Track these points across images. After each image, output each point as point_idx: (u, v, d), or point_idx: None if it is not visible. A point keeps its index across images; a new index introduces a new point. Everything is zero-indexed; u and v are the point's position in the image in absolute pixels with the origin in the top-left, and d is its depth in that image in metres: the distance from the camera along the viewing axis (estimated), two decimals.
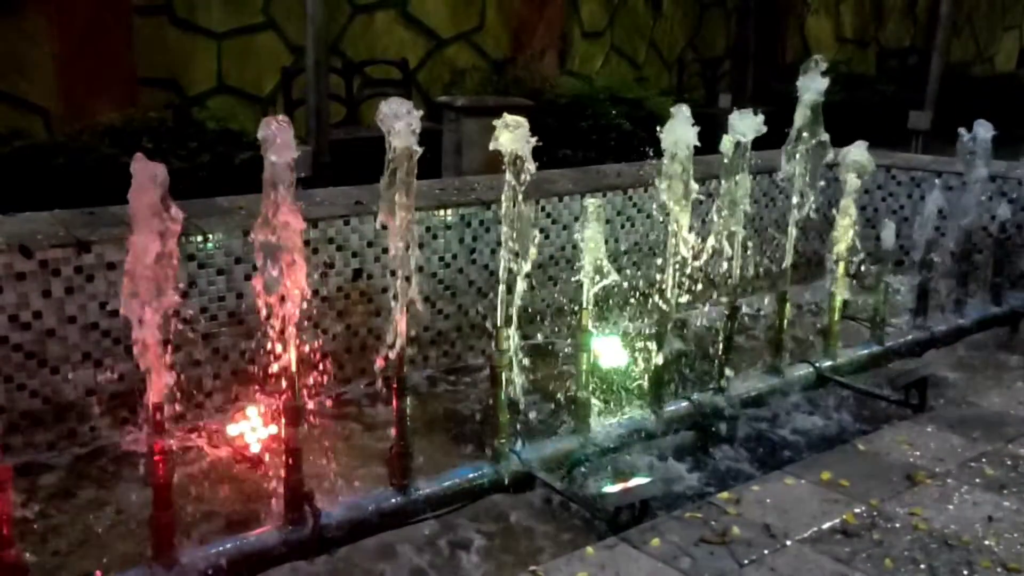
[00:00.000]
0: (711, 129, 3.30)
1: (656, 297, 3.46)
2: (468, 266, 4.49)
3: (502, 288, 2.92)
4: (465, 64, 8.99)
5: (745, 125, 3.34)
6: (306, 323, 2.64)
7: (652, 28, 10.81)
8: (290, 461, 2.64)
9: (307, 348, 2.65)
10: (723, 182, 3.49)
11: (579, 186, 4.93)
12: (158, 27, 7.08)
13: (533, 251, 2.89)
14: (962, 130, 4.60)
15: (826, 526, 2.50)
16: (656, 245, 3.47)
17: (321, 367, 3.21)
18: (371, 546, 2.86)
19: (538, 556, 2.85)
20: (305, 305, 2.58)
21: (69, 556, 2.91)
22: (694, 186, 3.31)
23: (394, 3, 8.43)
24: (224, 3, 7.42)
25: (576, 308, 3.25)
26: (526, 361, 3.10)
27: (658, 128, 3.30)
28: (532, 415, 3.60)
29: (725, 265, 3.57)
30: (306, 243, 3.93)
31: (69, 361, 3.50)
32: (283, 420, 2.63)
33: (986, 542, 2.44)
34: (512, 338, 2.98)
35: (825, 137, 3.67)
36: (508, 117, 2.79)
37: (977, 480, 2.78)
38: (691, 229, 3.35)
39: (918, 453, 2.95)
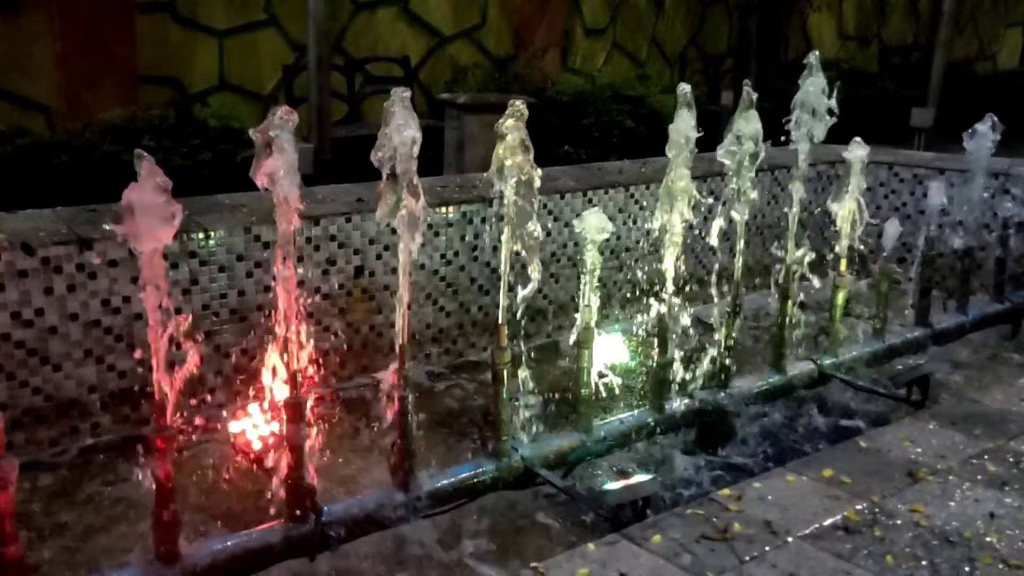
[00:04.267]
0: (713, 127, 3.30)
1: (658, 294, 3.46)
2: (470, 263, 4.49)
3: (503, 285, 2.92)
4: (467, 62, 8.99)
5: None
6: (308, 320, 2.63)
7: (654, 25, 10.80)
8: (292, 458, 2.64)
9: (309, 345, 2.65)
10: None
11: (581, 183, 4.93)
12: (160, 24, 7.08)
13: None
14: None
15: (827, 523, 2.50)
16: (657, 243, 3.47)
17: (323, 364, 3.21)
18: (373, 543, 2.86)
19: (540, 553, 2.84)
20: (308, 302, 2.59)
21: (72, 552, 2.91)
22: None
23: (396, 0, 8.43)
24: (226, 1, 7.42)
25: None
26: (529, 359, 3.10)
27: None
28: (534, 412, 3.60)
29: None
30: (308, 240, 3.95)
31: (71, 358, 3.50)
32: (284, 417, 2.64)
33: (988, 539, 2.43)
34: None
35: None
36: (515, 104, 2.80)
37: (979, 477, 2.78)
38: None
39: (920, 450, 2.95)
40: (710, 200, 3.61)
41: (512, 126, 2.77)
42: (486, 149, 2.88)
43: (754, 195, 3.54)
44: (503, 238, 2.90)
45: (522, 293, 2.95)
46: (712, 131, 3.35)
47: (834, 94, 3.66)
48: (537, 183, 2.86)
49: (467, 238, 4.44)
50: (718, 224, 3.49)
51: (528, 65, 9.02)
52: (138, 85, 6.83)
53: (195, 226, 3.72)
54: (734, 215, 3.54)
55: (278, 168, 2.44)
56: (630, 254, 5.02)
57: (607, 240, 3.15)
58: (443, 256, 4.39)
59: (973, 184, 4.71)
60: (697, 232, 4.39)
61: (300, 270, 3.07)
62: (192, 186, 4.38)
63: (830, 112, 3.68)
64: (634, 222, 5.04)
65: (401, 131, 2.57)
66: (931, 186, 4.55)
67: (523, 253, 2.89)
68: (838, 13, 12.77)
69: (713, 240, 3.48)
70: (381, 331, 4.20)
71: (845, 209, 3.97)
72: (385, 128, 2.59)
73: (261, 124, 2.44)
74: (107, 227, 2.19)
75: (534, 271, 2.92)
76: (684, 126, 3.23)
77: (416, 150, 2.62)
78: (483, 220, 4.45)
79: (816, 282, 4.00)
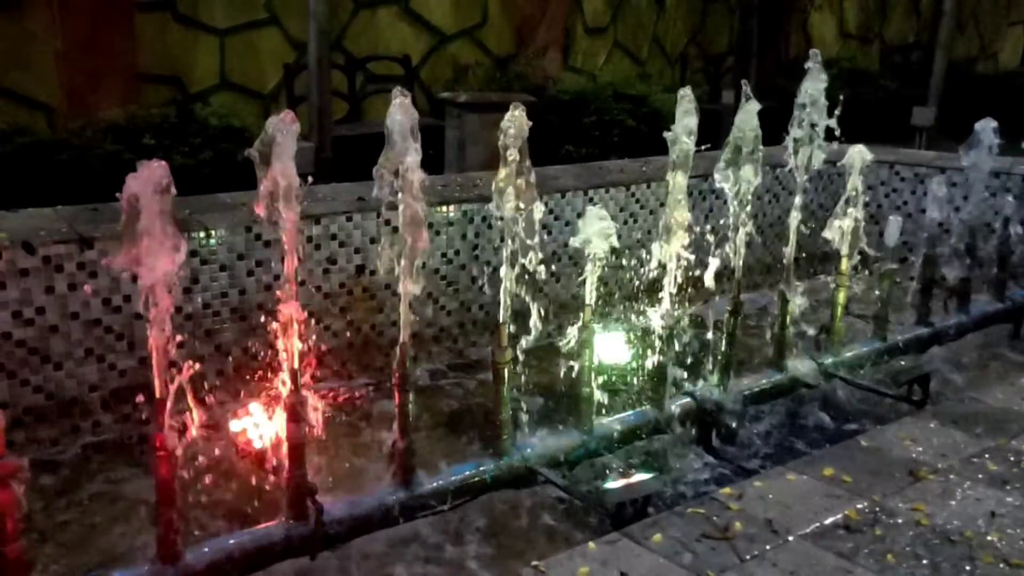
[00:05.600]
0: (714, 125, 3.29)
1: (659, 292, 3.46)
2: (471, 262, 4.49)
3: (504, 284, 2.92)
4: (468, 60, 8.98)
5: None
6: (309, 320, 2.63)
7: (655, 24, 10.79)
8: (292, 457, 2.64)
9: (309, 344, 2.65)
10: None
11: (582, 182, 4.93)
12: (161, 23, 7.08)
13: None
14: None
15: (828, 521, 2.50)
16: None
17: (324, 362, 3.21)
18: (373, 542, 2.86)
19: (540, 551, 2.85)
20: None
21: (72, 551, 2.91)
22: None
23: None
24: None
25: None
26: (529, 357, 3.10)
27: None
28: (534, 411, 3.60)
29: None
30: (308, 239, 3.95)
31: (72, 357, 3.50)
32: (285, 416, 2.64)
33: (988, 537, 2.43)
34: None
35: None
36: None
37: (980, 476, 2.77)
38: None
39: (921, 449, 2.95)
40: (710, 237, 3.62)
41: (512, 146, 2.78)
42: (487, 148, 2.89)
43: (750, 228, 3.54)
44: (503, 270, 2.91)
45: (525, 342, 2.96)
46: (714, 130, 3.33)
47: (836, 112, 3.63)
48: (538, 215, 2.87)
49: (468, 237, 4.44)
50: (715, 264, 3.48)
51: (529, 64, 9.02)
52: (139, 84, 6.83)
53: (196, 225, 3.72)
54: (731, 255, 3.55)
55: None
56: (631, 253, 5.02)
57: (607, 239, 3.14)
58: (444, 255, 4.39)
59: (971, 200, 4.69)
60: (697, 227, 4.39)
61: (301, 269, 3.06)
62: (193, 185, 4.38)
63: (830, 134, 3.66)
64: (635, 221, 5.04)
65: (403, 157, 2.58)
66: (931, 193, 4.52)
67: (524, 296, 2.90)
68: (839, 12, 12.76)
69: (709, 282, 3.47)
70: (382, 330, 4.20)
71: (845, 221, 3.96)
72: (384, 153, 2.60)
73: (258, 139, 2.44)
74: (106, 263, 2.20)
75: (534, 314, 2.93)
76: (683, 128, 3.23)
77: (419, 177, 2.63)
78: (484, 219, 4.45)
79: (810, 330, 4.06)
